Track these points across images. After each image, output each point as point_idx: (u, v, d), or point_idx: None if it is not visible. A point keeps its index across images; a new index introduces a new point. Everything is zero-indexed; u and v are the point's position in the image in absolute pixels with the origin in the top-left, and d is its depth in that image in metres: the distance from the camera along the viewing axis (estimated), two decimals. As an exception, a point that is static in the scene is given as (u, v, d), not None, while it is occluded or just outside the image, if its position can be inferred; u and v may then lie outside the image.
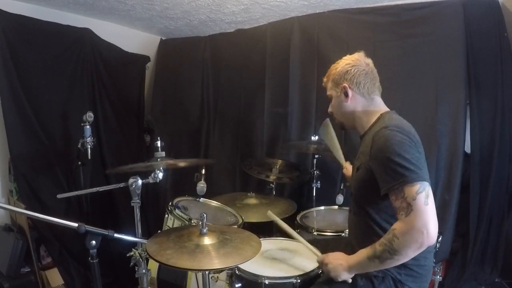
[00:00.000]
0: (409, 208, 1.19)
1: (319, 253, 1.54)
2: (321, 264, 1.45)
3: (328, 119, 2.01)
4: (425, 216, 1.17)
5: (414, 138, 1.32)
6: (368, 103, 1.50)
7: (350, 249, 1.57)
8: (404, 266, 1.33)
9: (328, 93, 1.59)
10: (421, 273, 1.39)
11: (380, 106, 1.52)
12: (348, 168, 1.98)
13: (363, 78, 1.47)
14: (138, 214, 1.74)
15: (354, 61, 1.50)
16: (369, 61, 1.53)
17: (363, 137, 1.51)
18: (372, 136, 1.36)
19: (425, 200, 1.19)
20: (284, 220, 2.34)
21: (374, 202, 1.38)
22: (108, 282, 2.80)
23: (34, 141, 2.75)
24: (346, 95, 1.49)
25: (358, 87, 1.48)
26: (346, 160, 2.04)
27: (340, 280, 1.37)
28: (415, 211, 1.18)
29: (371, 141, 1.35)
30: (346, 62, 1.52)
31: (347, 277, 1.36)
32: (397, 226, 1.23)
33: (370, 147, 1.34)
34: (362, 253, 1.32)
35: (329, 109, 1.63)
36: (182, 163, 1.89)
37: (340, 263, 1.37)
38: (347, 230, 2.06)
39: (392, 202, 1.26)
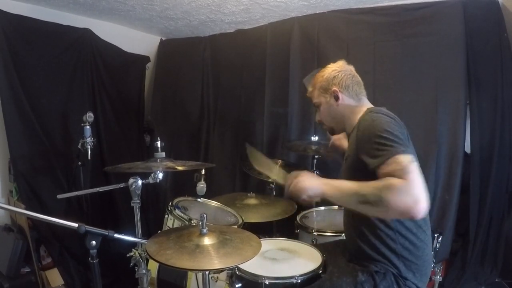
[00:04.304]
0: (406, 170, 1.13)
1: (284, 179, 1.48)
2: (290, 180, 1.39)
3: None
4: (420, 186, 1.11)
5: (400, 122, 1.34)
6: (356, 104, 1.55)
7: (348, 253, 1.58)
8: (401, 257, 1.35)
9: (316, 101, 1.62)
10: (419, 264, 1.39)
11: (366, 105, 1.56)
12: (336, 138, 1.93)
13: (350, 81, 1.54)
14: (138, 214, 1.74)
15: (339, 67, 1.58)
16: (352, 67, 1.60)
17: (351, 133, 1.53)
18: (357, 123, 1.39)
19: (418, 172, 1.15)
20: (284, 220, 2.36)
21: None
22: (108, 282, 2.80)
23: (34, 141, 2.75)
24: (337, 98, 1.54)
25: (347, 89, 1.53)
26: None
27: (306, 194, 1.31)
28: (413, 175, 1.12)
29: (357, 127, 1.38)
30: (332, 69, 1.58)
31: (315, 192, 1.29)
32: (394, 180, 1.14)
33: (356, 131, 1.37)
34: (345, 183, 1.27)
35: (317, 118, 1.66)
36: (181, 167, 1.88)
37: (316, 180, 1.33)
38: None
39: (382, 170, 1.19)
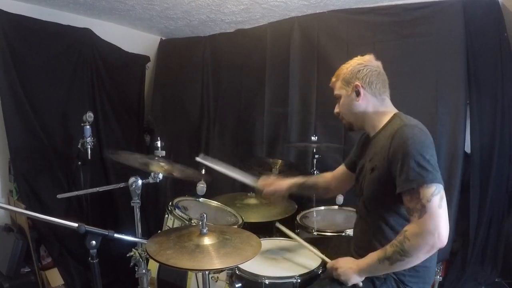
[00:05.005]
0: (423, 210, 1.19)
1: (328, 260, 1.52)
2: (332, 269, 1.43)
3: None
4: (437, 219, 1.18)
5: (432, 139, 1.32)
6: (379, 103, 1.49)
7: (352, 249, 1.57)
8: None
9: (337, 92, 1.56)
10: (425, 274, 1.39)
11: (390, 107, 1.51)
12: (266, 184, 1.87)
13: (375, 78, 1.47)
14: (138, 214, 1.74)
15: (366, 62, 1.50)
16: (379, 63, 1.53)
17: (374, 137, 1.48)
18: (390, 135, 1.34)
19: (439, 203, 1.20)
20: (284, 220, 2.36)
21: (389, 203, 1.36)
22: (108, 282, 2.80)
23: (34, 141, 2.75)
24: (358, 94, 1.47)
25: (370, 86, 1.47)
26: None
27: (350, 284, 1.36)
28: (428, 213, 1.18)
29: (390, 139, 1.33)
30: (358, 62, 1.51)
31: (358, 280, 1.35)
32: (409, 228, 1.23)
33: (390, 144, 1.31)
34: (373, 256, 1.31)
35: (336, 110, 1.60)
36: (178, 172, 1.89)
37: (350, 267, 1.37)
38: (347, 230, 2.06)
39: (406, 203, 1.25)
